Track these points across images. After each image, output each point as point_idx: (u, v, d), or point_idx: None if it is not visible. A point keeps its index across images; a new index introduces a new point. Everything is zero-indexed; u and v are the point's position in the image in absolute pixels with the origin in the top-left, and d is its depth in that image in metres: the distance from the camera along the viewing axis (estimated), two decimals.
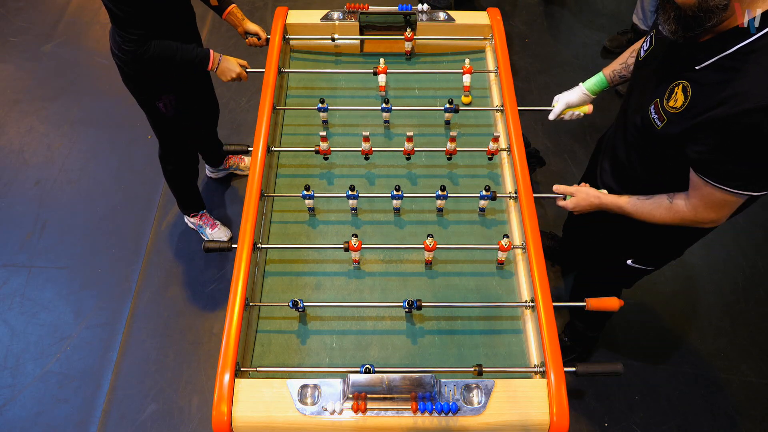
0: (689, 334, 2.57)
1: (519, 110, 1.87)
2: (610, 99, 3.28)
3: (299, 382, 1.36)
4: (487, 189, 1.69)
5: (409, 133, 1.75)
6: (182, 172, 2.51)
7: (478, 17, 2.16)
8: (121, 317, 2.56)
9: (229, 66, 2.10)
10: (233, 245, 1.58)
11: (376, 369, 1.41)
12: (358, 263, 1.67)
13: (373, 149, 1.81)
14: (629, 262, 1.81)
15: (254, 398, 1.35)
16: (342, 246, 1.60)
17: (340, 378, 1.38)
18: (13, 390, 2.39)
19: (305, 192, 1.69)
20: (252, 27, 2.24)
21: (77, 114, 3.29)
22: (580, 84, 1.89)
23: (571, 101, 1.89)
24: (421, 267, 1.69)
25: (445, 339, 1.56)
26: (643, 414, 2.35)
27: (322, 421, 1.33)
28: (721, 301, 2.67)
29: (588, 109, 1.92)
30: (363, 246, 1.61)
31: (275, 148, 1.87)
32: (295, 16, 2.14)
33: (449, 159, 1.87)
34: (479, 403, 1.34)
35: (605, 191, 1.67)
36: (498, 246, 1.61)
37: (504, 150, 1.88)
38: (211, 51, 2.07)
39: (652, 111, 1.42)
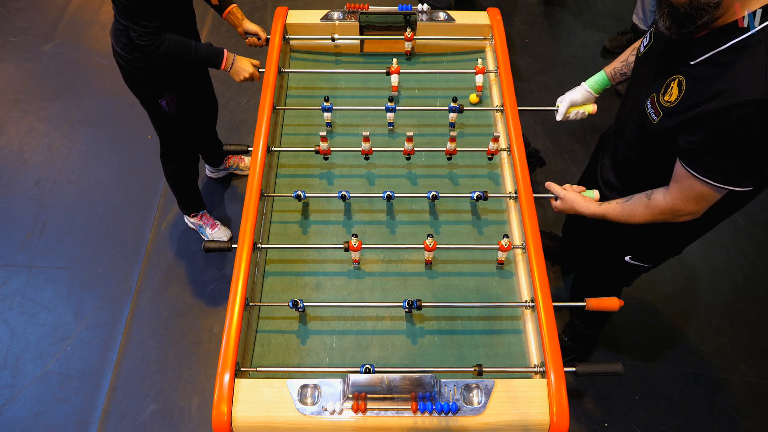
0: (689, 334, 2.57)
1: (519, 110, 1.87)
2: (610, 99, 3.28)
3: (299, 382, 1.36)
4: (478, 198, 1.71)
5: (409, 133, 1.75)
6: (183, 171, 2.51)
7: (478, 17, 2.16)
8: (121, 317, 2.56)
9: (243, 66, 2.11)
10: (233, 245, 1.58)
11: (376, 369, 1.41)
12: (358, 263, 1.67)
13: (373, 149, 1.81)
14: (628, 258, 1.82)
15: (254, 398, 1.35)
16: (342, 246, 1.60)
17: (340, 378, 1.38)
18: (13, 390, 2.38)
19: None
20: (252, 27, 2.24)
21: (77, 114, 3.29)
22: (583, 83, 1.90)
23: (575, 99, 1.90)
24: (421, 267, 1.69)
25: (445, 339, 1.56)
26: (643, 414, 2.35)
27: (322, 421, 1.33)
28: (721, 301, 2.67)
29: (592, 108, 1.93)
30: (363, 246, 1.61)
31: (275, 148, 1.87)
32: (295, 16, 2.14)
33: (449, 159, 1.87)
34: (479, 403, 1.34)
35: (592, 196, 1.68)
36: (498, 246, 1.61)
37: (504, 150, 1.88)
38: (226, 51, 2.06)
39: (649, 106, 1.43)
